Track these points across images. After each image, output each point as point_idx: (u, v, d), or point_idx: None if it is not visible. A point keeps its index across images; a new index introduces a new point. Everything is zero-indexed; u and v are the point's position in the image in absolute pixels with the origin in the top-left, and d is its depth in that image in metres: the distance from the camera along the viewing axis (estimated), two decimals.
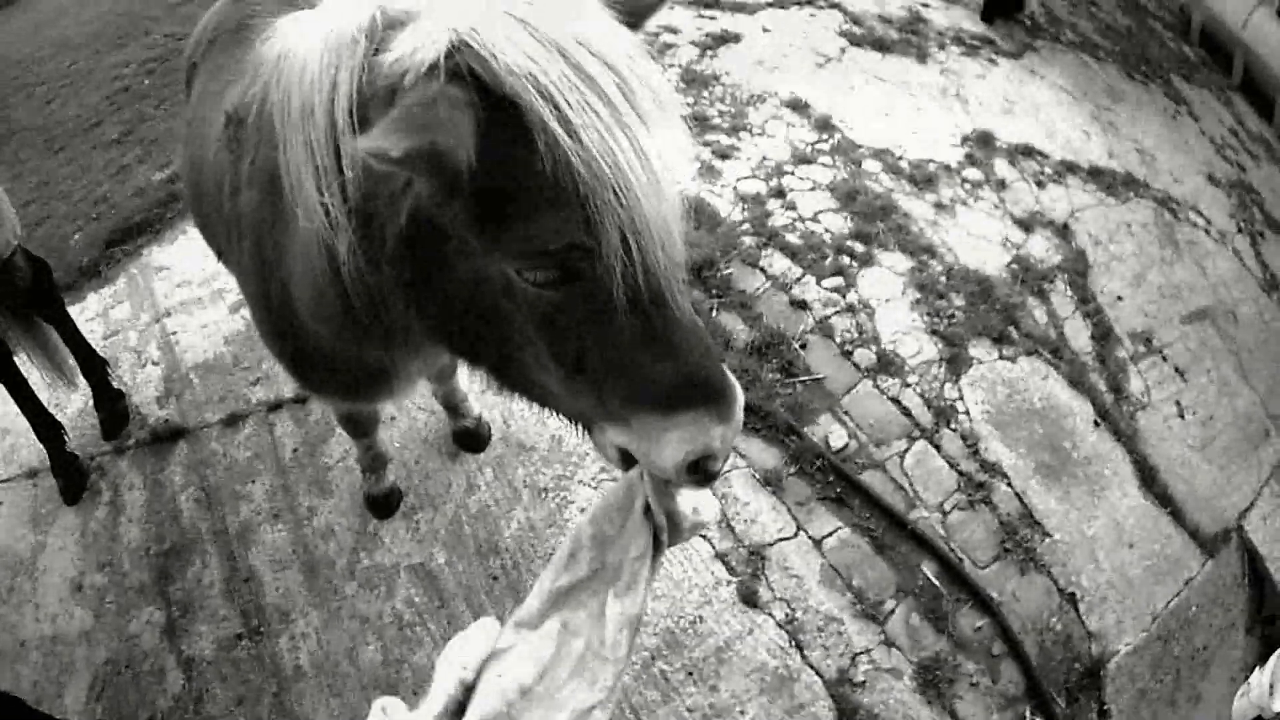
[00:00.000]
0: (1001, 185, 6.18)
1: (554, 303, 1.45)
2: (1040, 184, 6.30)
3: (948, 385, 4.73)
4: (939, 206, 5.84)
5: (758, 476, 4.24)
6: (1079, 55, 8.59)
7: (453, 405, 4.25)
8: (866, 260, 5.28)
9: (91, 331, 5.34)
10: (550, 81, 1.33)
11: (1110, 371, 5.15)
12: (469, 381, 4.26)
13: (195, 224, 3.54)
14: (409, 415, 4.58)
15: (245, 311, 5.10)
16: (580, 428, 1.68)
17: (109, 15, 11.33)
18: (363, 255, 1.60)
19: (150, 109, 8.05)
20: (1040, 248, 5.74)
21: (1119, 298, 5.62)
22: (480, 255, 1.46)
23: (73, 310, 5.39)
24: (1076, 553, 4.28)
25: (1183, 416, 5.18)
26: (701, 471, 1.51)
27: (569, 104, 1.32)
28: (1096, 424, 4.82)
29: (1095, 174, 6.61)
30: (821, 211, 5.60)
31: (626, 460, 1.62)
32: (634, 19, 1.56)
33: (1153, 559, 4.42)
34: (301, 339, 2.36)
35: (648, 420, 1.49)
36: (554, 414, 1.70)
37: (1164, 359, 5.42)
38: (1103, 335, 5.32)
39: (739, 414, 1.53)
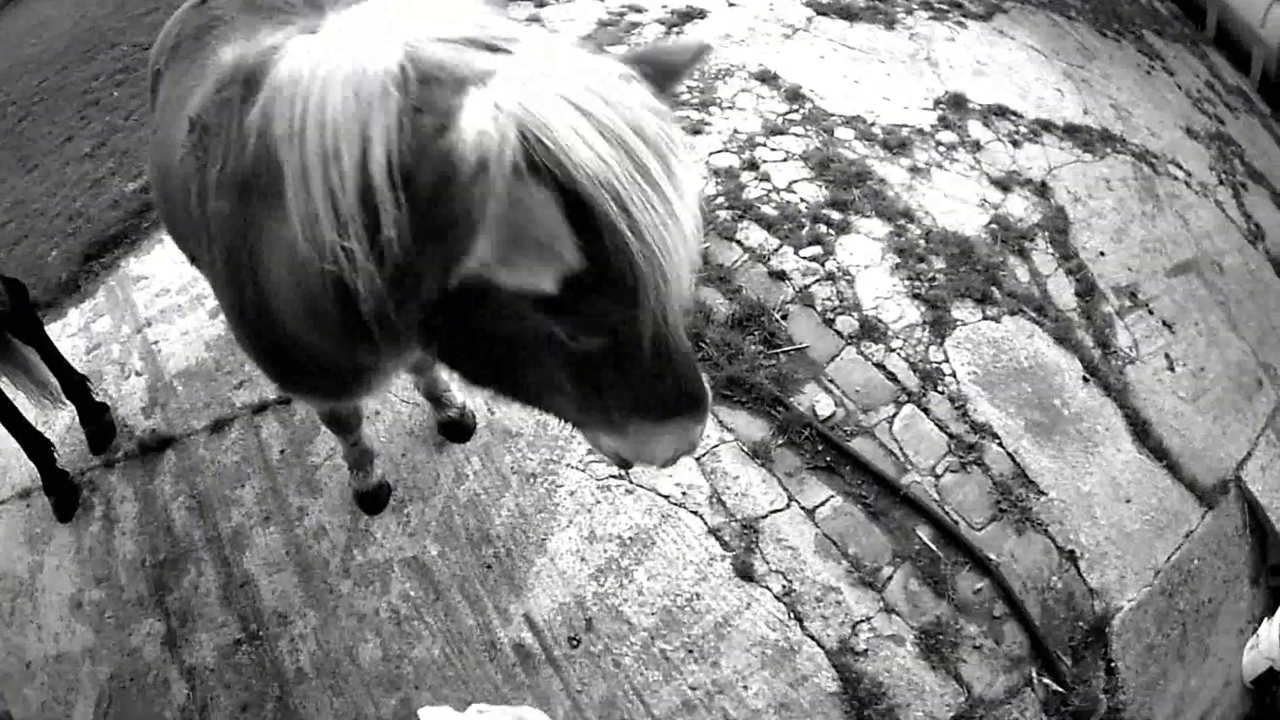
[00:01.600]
0: (976, 146, 6.14)
1: (589, 351, 1.62)
2: (1015, 143, 6.27)
3: (932, 348, 4.70)
4: (914, 170, 5.81)
5: (746, 449, 4.22)
6: (1048, 15, 8.54)
7: (435, 396, 4.25)
8: (844, 228, 5.26)
9: (74, 346, 5.41)
10: (618, 182, 1.38)
11: (1096, 327, 5.11)
12: (449, 372, 4.17)
13: (166, 230, 3.63)
14: (393, 409, 4.58)
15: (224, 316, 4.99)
16: (573, 428, 1.94)
17: (76, 30, 11.37)
18: (389, 297, 1.62)
19: (120, 120, 8.04)
20: (1019, 207, 5.71)
21: (1101, 253, 5.59)
22: (531, 319, 1.57)
23: (54, 327, 5.55)
24: (1073, 510, 4.26)
25: (1173, 369, 5.14)
26: (677, 460, 1.93)
27: (634, 203, 1.39)
28: (1085, 380, 4.80)
29: (1071, 131, 6.57)
30: (796, 181, 5.58)
31: (623, 463, 1.97)
32: (663, 85, 1.60)
33: (1151, 513, 4.39)
34: (278, 342, 2.36)
35: (644, 428, 1.78)
36: (551, 418, 1.92)
37: (1150, 312, 5.38)
38: (1087, 291, 5.27)
39: (708, 410, 1.84)
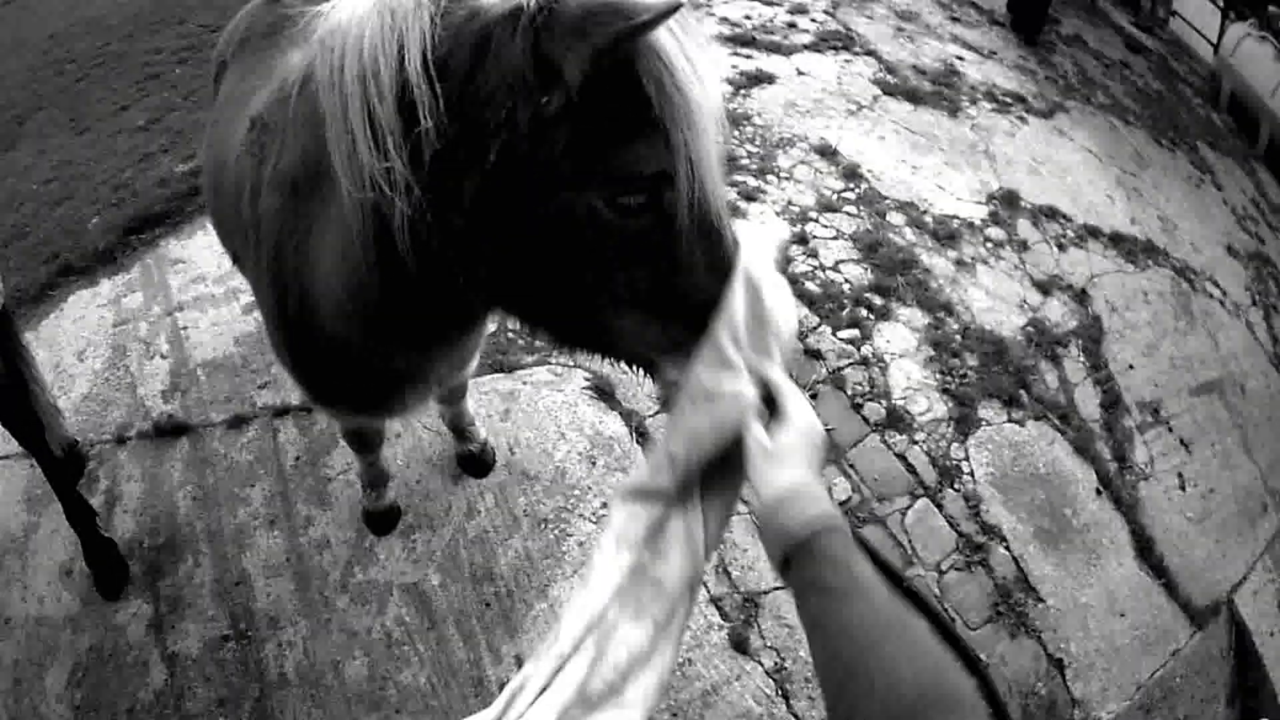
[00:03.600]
0: (1023, 246, 6.22)
1: (634, 231, 1.50)
2: (1061, 247, 6.33)
3: (954, 445, 4.74)
4: (960, 264, 5.87)
5: (758, 523, 4.13)
6: (1108, 118, 8.65)
7: (459, 428, 4.23)
8: (884, 314, 5.31)
9: (101, 318, 5.42)
10: (656, 12, 1.34)
11: (1116, 440, 5.16)
12: (476, 405, 4.33)
13: (213, 226, 3.58)
14: (414, 434, 4.55)
15: (258, 313, 4.78)
16: (641, 370, 1.72)
17: (144, 1, 11.33)
18: (431, 214, 1.57)
19: (179, 99, 8.05)
20: (1057, 312, 5.76)
21: (1130, 366, 5.66)
22: (569, 188, 1.48)
23: (84, 294, 5.63)
24: (1068, 619, 4.29)
25: (1184, 488, 5.18)
26: None
27: (667, 34, 1.39)
28: (1099, 492, 4.82)
29: (1116, 240, 6.66)
30: (842, 261, 5.64)
31: None
32: None
33: (1142, 629, 4.43)
34: (318, 345, 2.34)
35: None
36: (616, 359, 1.73)
37: (1169, 430, 5.44)
38: (1111, 403, 5.33)
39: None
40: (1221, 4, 12.11)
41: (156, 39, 9.69)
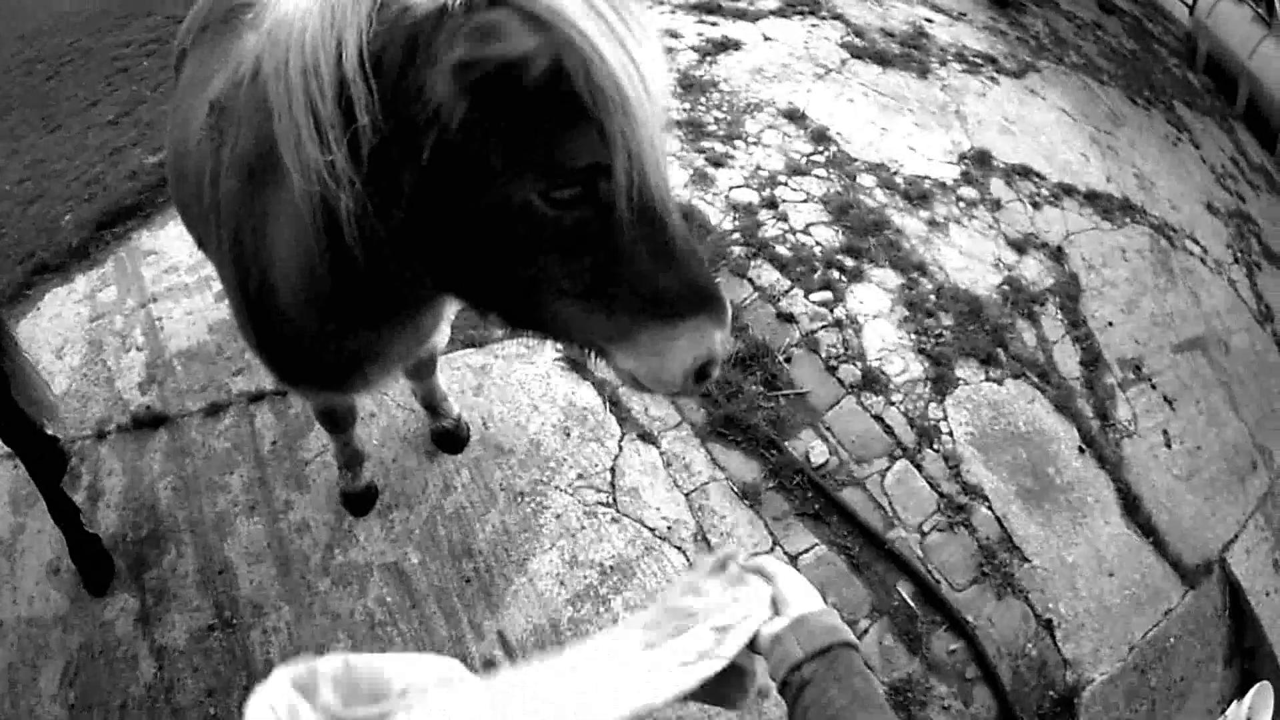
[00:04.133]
0: (997, 205, 6.20)
1: (571, 224, 1.51)
2: (1036, 205, 6.33)
3: (932, 405, 4.71)
4: (932, 224, 5.84)
5: (736, 489, 4.20)
6: (1082, 77, 8.66)
7: (432, 405, 4.22)
8: (856, 275, 5.28)
9: (78, 314, 5.40)
10: (577, 6, 1.38)
11: (1098, 397, 5.13)
12: (448, 381, 4.33)
13: (177, 211, 3.54)
14: (388, 413, 4.56)
15: None
16: (595, 356, 1.75)
17: None
18: (373, 207, 1.60)
19: (147, 91, 8.07)
20: (1033, 270, 5.75)
21: (1110, 323, 5.62)
22: (504, 182, 1.50)
23: (60, 292, 5.62)
24: (1055, 579, 4.25)
25: (1169, 446, 5.16)
26: (702, 378, 1.67)
27: (588, 21, 1.38)
28: (1081, 450, 4.79)
29: (1092, 198, 6.66)
30: (813, 224, 5.61)
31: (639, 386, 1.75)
32: None
33: (1132, 588, 4.40)
34: (279, 327, 2.36)
35: (655, 333, 1.61)
36: (567, 344, 1.88)
37: (1153, 387, 5.42)
38: (1092, 361, 5.31)
39: (729, 322, 1.68)
40: None
41: (125, 33, 9.74)
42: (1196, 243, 6.87)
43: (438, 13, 1.39)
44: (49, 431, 4.29)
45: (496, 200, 1.52)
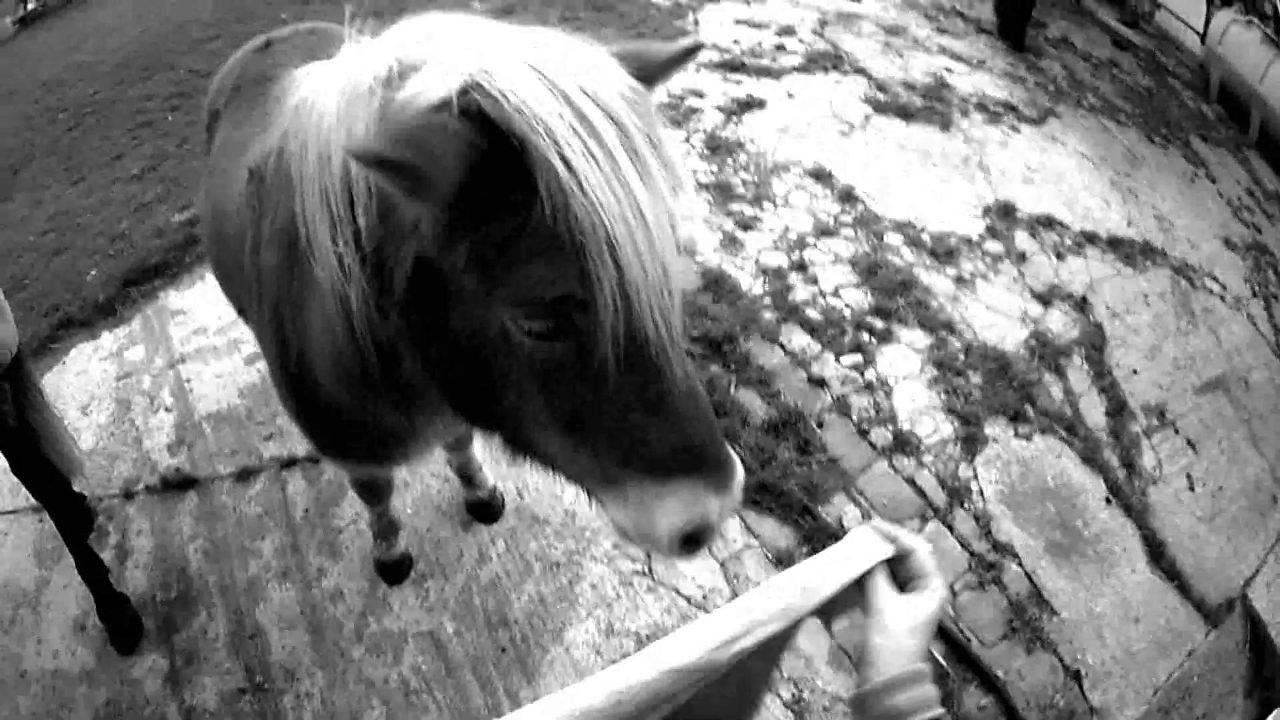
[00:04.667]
0: (1022, 258, 6.28)
1: (548, 357, 1.44)
2: (1060, 255, 6.44)
3: (962, 465, 4.73)
4: (959, 281, 5.93)
5: (770, 556, 4.21)
6: (1100, 119, 8.74)
7: (468, 475, 4.21)
8: (886, 336, 5.33)
9: (104, 371, 5.44)
10: (555, 125, 1.32)
11: (1123, 447, 5.17)
12: (484, 451, 4.25)
13: (215, 278, 3.47)
14: (422, 482, 4.54)
15: (261, 364, 5.08)
16: (590, 498, 1.64)
17: (134, 45, 11.43)
18: (374, 305, 1.61)
19: (172, 147, 8.06)
20: (1058, 322, 5.81)
21: (1134, 371, 5.69)
22: (479, 304, 1.46)
23: (86, 347, 5.65)
24: (1083, 630, 4.24)
25: (1193, 489, 5.17)
26: (693, 544, 1.51)
27: (571, 149, 1.32)
28: (1108, 501, 4.82)
29: (1114, 244, 6.76)
30: (843, 286, 5.67)
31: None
32: (648, 79, 1.56)
33: (1157, 632, 4.38)
34: (319, 400, 2.32)
35: (642, 486, 1.48)
36: (561, 479, 1.66)
37: (1176, 431, 5.45)
38: (1117, 410, 5.35)
39: (737, 487, 1.53)
40: None
41: (148, 85, 9.79)
42: (1216, 280, 6.92)
43: (417, 119, 1.36)
44: (75, 488, 4.29)
45: (475, 320, 1.49)
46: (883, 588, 1.39)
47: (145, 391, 5.28)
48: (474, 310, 1.47)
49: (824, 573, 1.42)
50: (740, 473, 1.54)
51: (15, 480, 4.06)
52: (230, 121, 3.21)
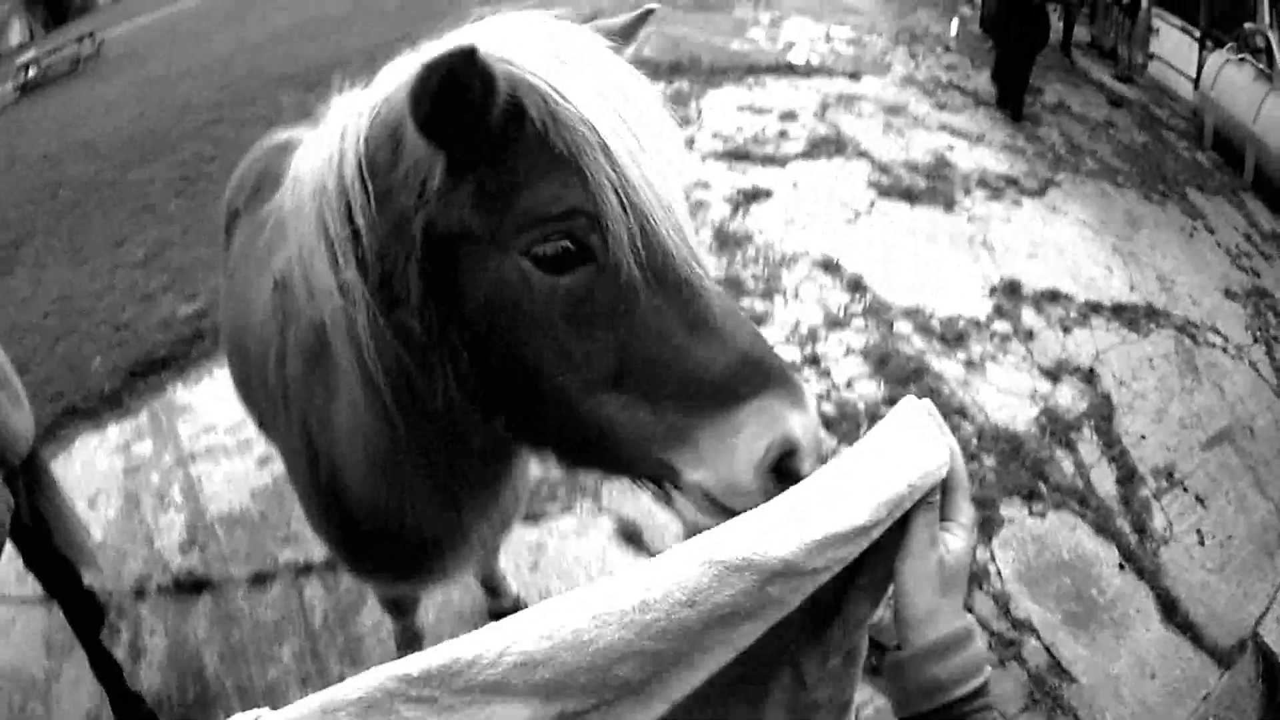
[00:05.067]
0: (1029, 335, 6.45)
1: (573, 289, 1.35)
2: (1066, 329, 6.63)
3: (979, 549, 4.76)
4: (969, 364, 6.07)
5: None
6: (1099, 184, 8.94)
7: (491, 584, 4.21)
8: None
9: (111, 464, 5.49)
10: (534, 51, 1.38)
11: (1134, 512, 5.25)
12: (504, 559, 4.31)
13: (237, 391, 3.39)
14: (445, 591, 4.42)
15: (274, 467, 5.14)
16: (657, 483, 1.46)
17: (136, 125, 11.71)
18: (385, 320, 1.52)
19: (177, 234, 8.19)
20: (1067, 396, 5.95)
21: (1142, 436, 5.81)
22: (492, 251, 1.39)
23: (92, 439, 5.77)
24: (1101, 692, 4.30)
25: (1203, 543, 5.25)
26: (788, 475, 1.28)
27: (552, 69, 1.35)
28: (1121, 567, 4.92)
29: (1118, 311, 6.97)
30: (856, 378, 5.78)
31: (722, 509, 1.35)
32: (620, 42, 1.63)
33: (1173, 683, 4.44)
34: (353, 516, 2.23)
35: (714, 425, 1.31)
36: (625, 471, 1.49)
37: (1185, 489, 5.53)
38: (1127, 477, 5.44)
39: (813, 405, 1.35)
40: (1198, 34, 12.31)
41: (150, 168, 9.98)
42: (1218, 333, 7.12)
43: (410, 94, 1.31)
44: (85, 581, 4.14)
45: (491, 276, 1.40)
46: (923, 524, 1.19)
47: (154, 488, 5.33)
48: (488, 262, 1.40)
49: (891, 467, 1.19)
50: (810, 390, 1.37)
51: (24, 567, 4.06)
52: (251, 225, 3.18)
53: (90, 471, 5.44)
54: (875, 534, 1.14)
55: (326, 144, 1.53)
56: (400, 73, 1.50)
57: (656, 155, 1.39)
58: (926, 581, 1.17)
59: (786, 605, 1.11)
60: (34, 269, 8.31)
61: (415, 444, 1.80)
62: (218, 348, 6.18)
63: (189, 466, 5.41)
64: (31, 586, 4.28)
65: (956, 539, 1.21)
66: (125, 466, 5.49)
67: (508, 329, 1.43)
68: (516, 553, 4.55)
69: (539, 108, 1.34)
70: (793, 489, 1.17)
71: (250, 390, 2.95)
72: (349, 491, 2.17)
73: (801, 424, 1.30)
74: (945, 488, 1.22)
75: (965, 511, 1.24)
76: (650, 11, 1.77)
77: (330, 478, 2.20)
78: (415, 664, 1.11)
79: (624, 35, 1.70)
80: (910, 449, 1.20)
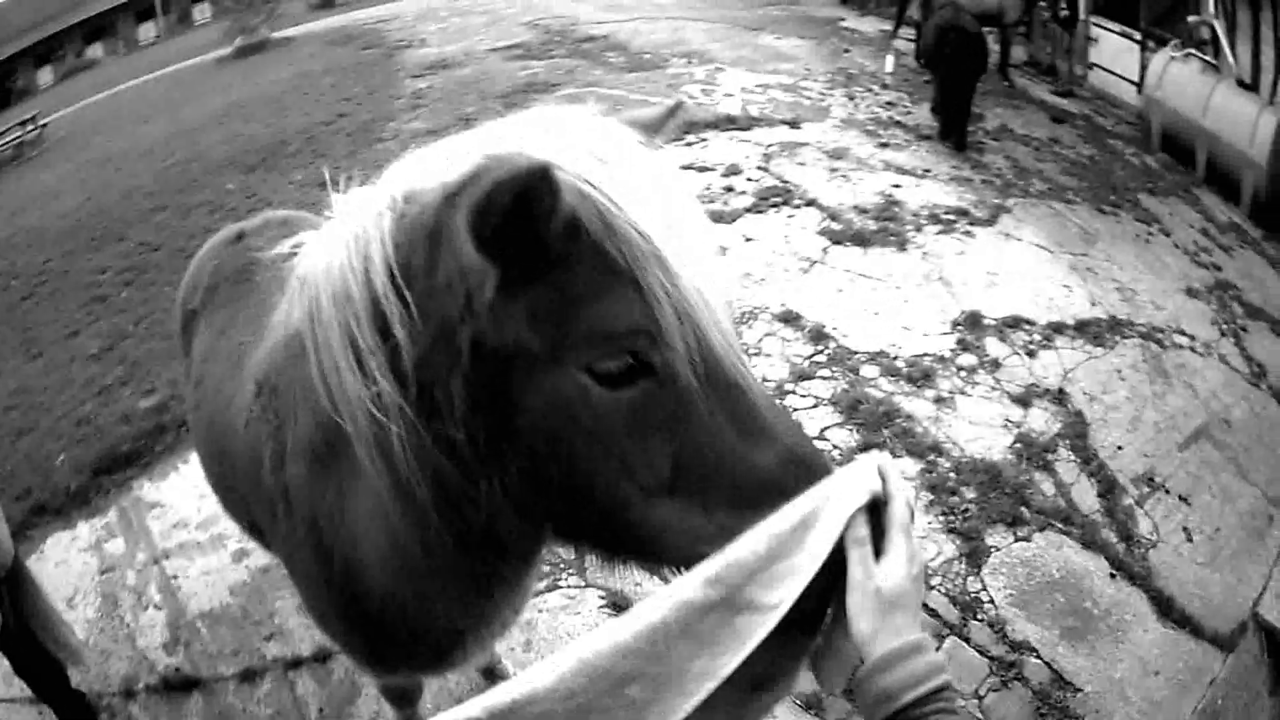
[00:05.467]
0: (995, 365, 6.47)
1: (633, 405, 1.35)
2: (1031, 353, 6.66)
3: (970, 579, 4.81)
4: (939, 400, 6.08)
5: (799, 702, 4.17)
6: (1049, 205, 8.97)
7: (489, 667, 4.14)
8: None
9: (85, 564, 5.46)
10: (580, 154, 1.34)
11: (1119, 522, 5.28)
12: (505, 648, 4.30)
13: (218, 497, 3.31)
14: (443, 677, 4.26)
15: (250, 561, 5.12)
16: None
17: (82, 212, 11.76)
18: (428, 433, 1.47)
19: (129, 325, 8.15)
20: (1040, 420, 5.97)
21: (1119, 448, 5.84)
22: (549, 367, 1.36)
23: (62, 537, 5.71)
24: (1107, 697, 4.33)
25: (1191, 540, 5.29)
26: None
27: (601, 175, 1.32)
28: (1112, 576, 4.95)
29: (1081, 328, 7.00)
30: (828, 428, 5.78)
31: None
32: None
33: (1177, 675, 4.48)
34: (371, 612, 2.15)
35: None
36: (670, 565, 1.45)
37: (1167, 492, 5.58)
38: (1108, 490, 5.48)
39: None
40: (1138, 37, 12.43)
41: (98, 257, 10.00)
42: (1184, 334, 7.21)
43: (446, 197, 1.32)
44: (73, 683, 4.23)
45: (550, 390, 1.38)
46: (856, 559, 1.33)
47: (131, 587, 5.28)
48: (545, 377, 1.38)
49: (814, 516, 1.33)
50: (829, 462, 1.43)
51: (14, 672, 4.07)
52: (213, 325, 3.15)
53: (65, 571, 5.45)
54: (814, 569, 1.28)
55: (341, 248, 1.47)
56: (421, 169, 1.47)
57: (701, 257, 1.39)
58: (866, 608, 1.29)
59: (753, 639, 1.27)
60: None
61: (450, 545, 1.75)
62: (181, 442, 6.29)
63: (164, 564, 5.40)
64: (20, 687, 4.28)
65: (894, 568, 1.30)
66: (100, 566, 5.48)
67: (563, 441, 1.40)
68: (507, 632, 4.23)
69: (595, 220, 1.31)
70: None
71: (235, 493, 2.87)
72: (369, 591, 2.09)
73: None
74: (883, 526, 1.34)
75: (898, 545, 1.33)
76: (680, 105, 1.72)
77: (346, 577, 2.12)
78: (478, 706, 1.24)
79: (654, 130, 1.63)
80: (841, 486, 1.34)
